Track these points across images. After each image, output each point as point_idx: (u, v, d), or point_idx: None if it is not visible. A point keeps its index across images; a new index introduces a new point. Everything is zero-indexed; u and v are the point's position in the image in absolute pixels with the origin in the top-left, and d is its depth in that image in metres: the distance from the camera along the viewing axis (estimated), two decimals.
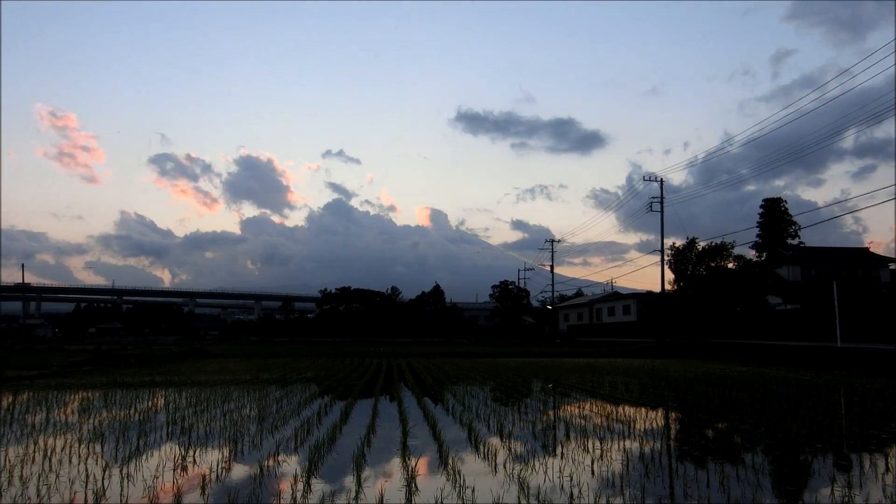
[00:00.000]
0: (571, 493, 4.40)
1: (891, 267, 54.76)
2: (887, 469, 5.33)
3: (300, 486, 4.58)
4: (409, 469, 5.04)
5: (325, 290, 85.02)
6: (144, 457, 5.70)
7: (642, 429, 7.47)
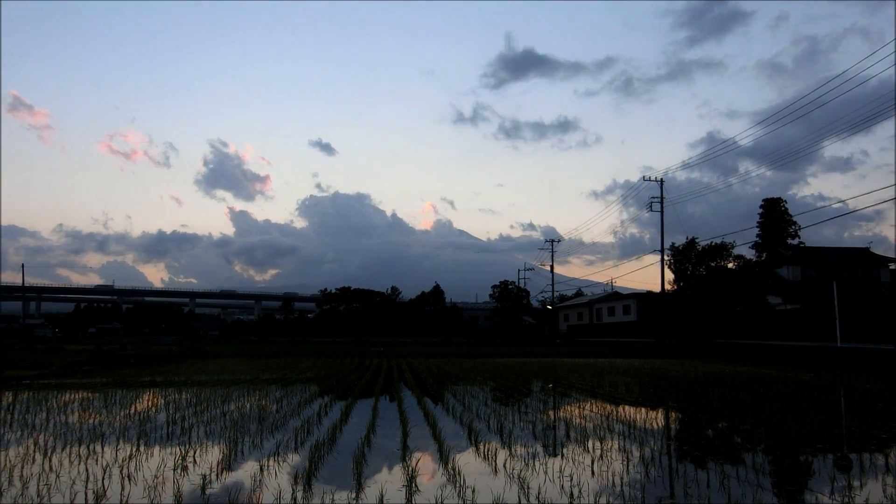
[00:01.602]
0: (571, 494, 4.40)
1: (891, 267, 54.74)
2: (887, 469, 5.33)
3: (300, 486, 4.58)
4: (410, 469, 5.04)
5: (325, 289, 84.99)
6: (144, 457, 5.70)
7: (642, 429, 7.46)
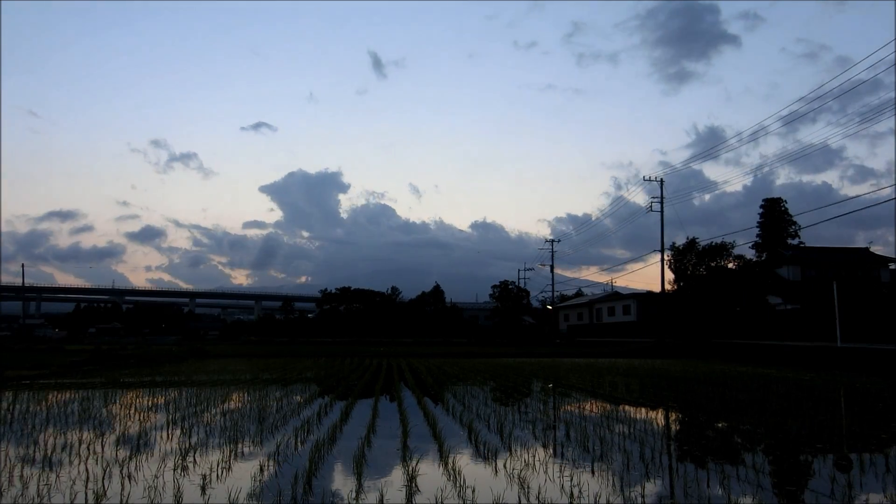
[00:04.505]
0: (571, 494, 4.40)
1: (891, 267, 54.74)
2: (887, 469, 5.33)
3: (300, 486, 4.58)
4: (410, 469, 5.04)
5: (325, 290, 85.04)
6: (144, 457, 5.70)
7: (642, 429, 7.47)
